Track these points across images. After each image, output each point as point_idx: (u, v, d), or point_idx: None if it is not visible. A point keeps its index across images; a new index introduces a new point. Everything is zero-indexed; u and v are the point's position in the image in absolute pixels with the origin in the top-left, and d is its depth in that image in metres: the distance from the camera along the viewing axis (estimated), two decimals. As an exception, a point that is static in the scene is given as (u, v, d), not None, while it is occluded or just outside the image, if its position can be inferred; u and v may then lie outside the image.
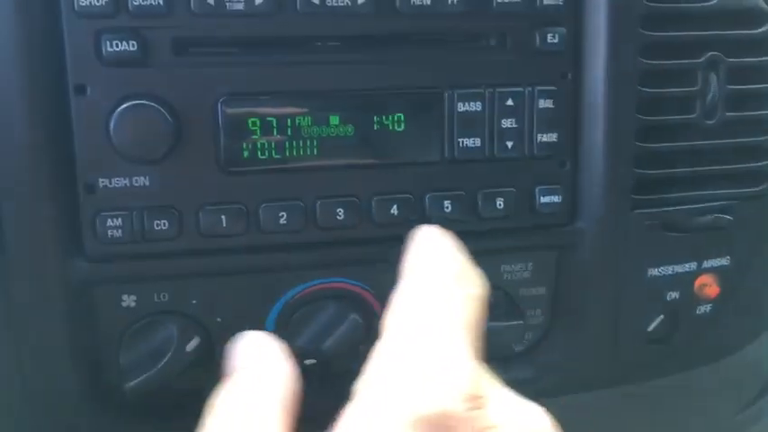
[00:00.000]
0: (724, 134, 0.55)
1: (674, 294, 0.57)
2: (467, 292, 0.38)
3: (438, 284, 0.38)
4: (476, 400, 0.33)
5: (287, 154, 0.48)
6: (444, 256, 0.40)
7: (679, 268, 0.57)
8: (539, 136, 0.51)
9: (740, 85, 0.54)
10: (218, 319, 0.51)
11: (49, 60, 0.44)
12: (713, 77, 0.53)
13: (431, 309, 0.36)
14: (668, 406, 0.68)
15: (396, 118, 0.49)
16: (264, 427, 0.35)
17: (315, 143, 0.48)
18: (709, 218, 0.56)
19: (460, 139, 0.50)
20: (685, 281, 0.57)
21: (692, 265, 0.57)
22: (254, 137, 0.47)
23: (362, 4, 0.47)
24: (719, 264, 0.58)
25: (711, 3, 0.53)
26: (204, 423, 0.36)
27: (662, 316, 0.58)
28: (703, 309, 0.59)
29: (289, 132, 0.48)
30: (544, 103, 0.51)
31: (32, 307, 0.47)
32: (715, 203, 0.56)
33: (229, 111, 0.47)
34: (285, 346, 0.41)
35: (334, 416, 0.55)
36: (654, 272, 0.56)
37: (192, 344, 0.49)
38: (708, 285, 0.58)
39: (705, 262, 0.58)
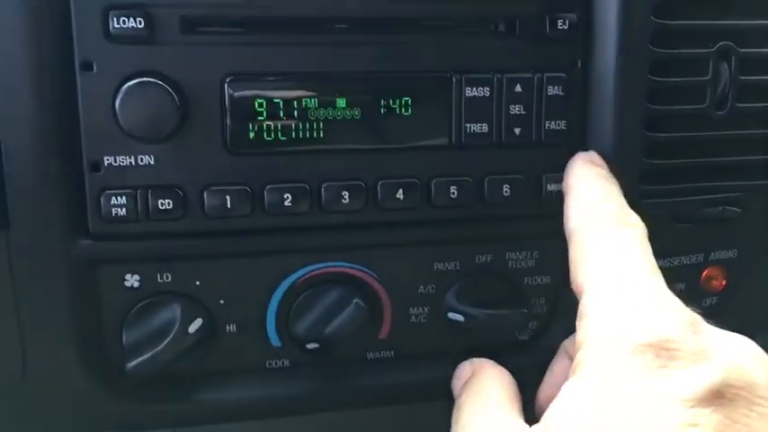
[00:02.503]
0: (734, 125, 0.54)
1: (680, 286, 0.57)
2: (634, 232, 0.42)
3: (610, 232, 0.42)
4: (691, 326, 0.36)
5: (293, 136, 0.48)
6: (603, 197, 0.45)
7: (686, 260, 0.57)
8: (547, 123, 0.51)
9: (752, 75, 0.54)
10: (222, 301, 0.51)
11: (56, 36, 0.44)
12: (725, 67, 0.53)
13: (617, 258, 0.40)
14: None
15: (403, 102, 0.49)
16: (498, 406, 0.44)
17: (321, 126, 0.48)
18: (716, 209, 0.55)
19: (468, 125, 0.50)
20: (692, 272, 0.57)
21: (699, 257, 0.57)
22: (261, 118, 0.47)
23: (372, -15, 0.47)
24: (726, 256, 0.58)
25: (724, -9, 0.53)
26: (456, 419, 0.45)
27: (667, 307, 0.58)
28: (709, 301, 0.59)
29: (295, 114, 0.48)
30: (553, 90, 0.50)
31: (36, 284, 0.47)
32: (723, 195, 0.55)
33: (235, 91, 0.46)
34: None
35: (340, 402, 0.56)
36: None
37: (195, 325, 0.49)
38: (714, 278, 0.58)
39: (712, 254, 0.57)
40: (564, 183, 0.49)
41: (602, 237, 0.42)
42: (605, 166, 0.49)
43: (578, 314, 0.39)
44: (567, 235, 0.45)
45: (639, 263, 0.40)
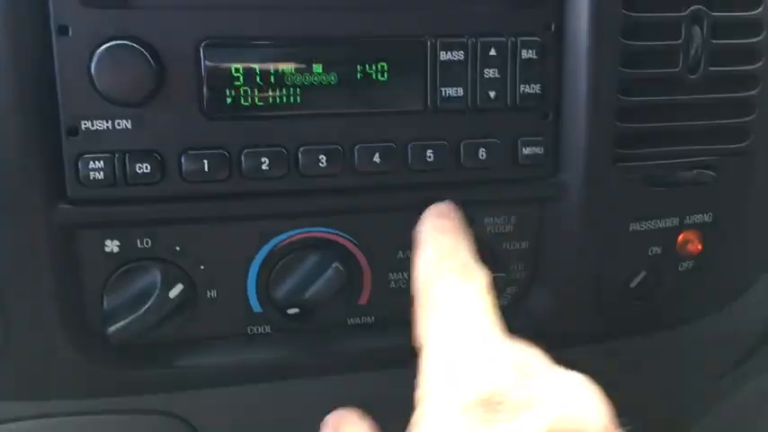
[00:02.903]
0: (707, 89, 0.55)
1: (656, 250, 0.57)
2: (474, 286, 0.42)
3: (450, 288, 0.42)
4: (520, 373, 0.35)
5: (270, 101, 0.48)
6: (447, 252, 0.44)
7: (661, 223, 0.57)
8: (521, 87, 0.51)
9: (724, 39, 0.54)
10: (202, 267, 0.51)
11: (32, 1, 0.44)
12: (697, 31, 0.53)
13: (453, 314, 0.40)
14: (651, 366, 0.68)
15: (379, 66, 0.49)
16: None
17: (298, 91, 0.48)
18: (691, 173, 0.56)
19: (443, 89, 0.50)
20: (668, 236, 0.58)
21: (675, 221, 0.57)
22: (237, 83, 0.47)
23: (347, -50, 0.47)
24: (702, 220, 0.58)
25: (694, -45, 0.54)
26: None
27: (644, 272, 0.58)
28: (686, 265, 0.59)
29: (272, 79, 0.48)
30: (527, 54, 0.51)
31: (15, 250, 0.47)
32: (697, 159, 0.56)
33: (212, 56, 0.47)
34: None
35: (321, 368, 0.56)
36: (636, 226, 0.56)
37: (176, 290, 0.50)
38: (690, 242, 0.59)
39: (687, 218, 0.58)
40: (414, 235, 0.48)
41: (442, 293, 0.42)
42: (456, 218, 0.48)
43: (418, 372, 0.39)
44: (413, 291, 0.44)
45: (476, 317, 0.40)
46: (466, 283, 0.42)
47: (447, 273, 0.43)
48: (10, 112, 0.45)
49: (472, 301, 0.41)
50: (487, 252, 0.55)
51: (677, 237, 0.58)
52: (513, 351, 0.37)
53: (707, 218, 0.59)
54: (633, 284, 0.58)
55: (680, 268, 0.59)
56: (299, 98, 0.49)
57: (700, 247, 0.59)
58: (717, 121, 0.56)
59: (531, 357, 0.37)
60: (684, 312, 0.63)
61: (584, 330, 0.60)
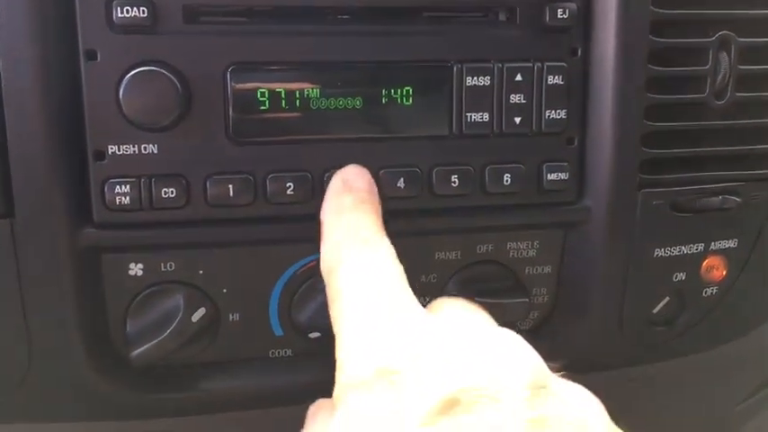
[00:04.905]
0: (734, 115, 0.54)
1: (680, 276, 0.57)
2: (379, 260, 0.41)
3: (352, 271, 0.41)
4: (411, 351, 0.35)
5: (295, 126, 0.48)
6: (346, 234, 0.43)
7: (686, 249, 0.57)
8: (547, 112, 0.51)
9: (751, 65, 0.54)
10: (225, 290, 0.51)
11: (60, 26, 0.44)
12: (724, 57, 0.53)
13: (358, 301, 0.40)
14: (671, 393, 0.68)
15: (404, 91, 0.49)
16: None
17: (323, 115, 0.48)
18: (717, 199, 0.56)
19: (468, 114, 0.50)
20: (692, 262, 0.57)
21: (700, 247, 0.57)
22: (263, 108, 0.47)
23: (373, -25, 0.47)
24: (727, 246, 0.58)
25: (723, -19, 0.53)
26: None
27: (668, 298, 0.58)
28: (710, 291, 0.59)
29: (297, 104, 0.48)
30: (553, 80, 0.51)
31: (40, 273, 0.47)
32: (723, 185, 0.56)
33: (238, 81, 0.47)
34: None
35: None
36: (660, 252, 0.56)
37: (198, 314, 0.50)
38: (715, 268, 0.58)
39: (712, 244, 0.57)
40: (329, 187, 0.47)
41: (344, 279, 0.41)
42: (360, 188, 0.47)
43: None
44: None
45: (381, 297, 0.39)
46: (368, 261, 0.41)
47: (347, 255, 0.42)
48: (37, 136, 0.45)
49: (376, 278, 0.40)
50: (511, 276, 0.56)
51: (702, 262, 0.58)
52: (414, 326, 0.37)
53: (732, 244, 0.58)
54: (656, 310, 0.58)
55: (704, 294, 0.59)
56: (323, 122, 0.48)
57: (724, 272, 0.58)
58: (743, 147, 0.55)
59: (432, 332, 0.37)
60: (708, 338, 0.63)
61: (605, 356, 0.60)
